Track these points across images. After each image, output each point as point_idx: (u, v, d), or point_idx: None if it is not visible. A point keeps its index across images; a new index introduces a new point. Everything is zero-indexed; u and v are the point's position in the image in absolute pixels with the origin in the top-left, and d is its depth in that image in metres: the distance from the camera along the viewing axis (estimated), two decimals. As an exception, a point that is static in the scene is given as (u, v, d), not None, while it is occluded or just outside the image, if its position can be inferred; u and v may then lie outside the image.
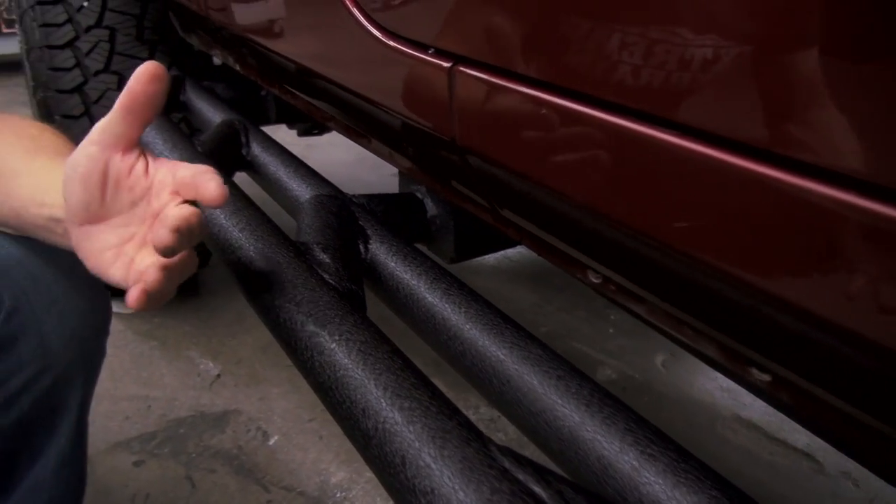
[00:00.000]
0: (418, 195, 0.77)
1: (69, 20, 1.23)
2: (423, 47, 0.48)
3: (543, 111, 0.38)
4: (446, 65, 0.45)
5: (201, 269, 1.85)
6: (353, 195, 0.71)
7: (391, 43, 0.51)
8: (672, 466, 0.40)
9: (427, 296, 0.57)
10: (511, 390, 0.48)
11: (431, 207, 0.76)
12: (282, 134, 1.50)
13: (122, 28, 1.26)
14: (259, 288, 0.53)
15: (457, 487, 0.35)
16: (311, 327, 0.47)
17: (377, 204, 0.71)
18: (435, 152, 0.55)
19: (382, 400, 0.40)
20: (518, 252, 2.02)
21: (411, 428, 0.38)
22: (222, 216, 0.62)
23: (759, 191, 0.29)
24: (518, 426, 0.49)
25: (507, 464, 0.36)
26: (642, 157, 0.33)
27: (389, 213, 0.71)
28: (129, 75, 0.45)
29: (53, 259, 0.71)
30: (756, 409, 1.48)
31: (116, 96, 0.48)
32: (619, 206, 0.35)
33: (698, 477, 0.39)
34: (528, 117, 0.40)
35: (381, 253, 0.62)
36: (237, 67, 1.04)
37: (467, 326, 0.53)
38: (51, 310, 0.70)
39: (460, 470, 0.35)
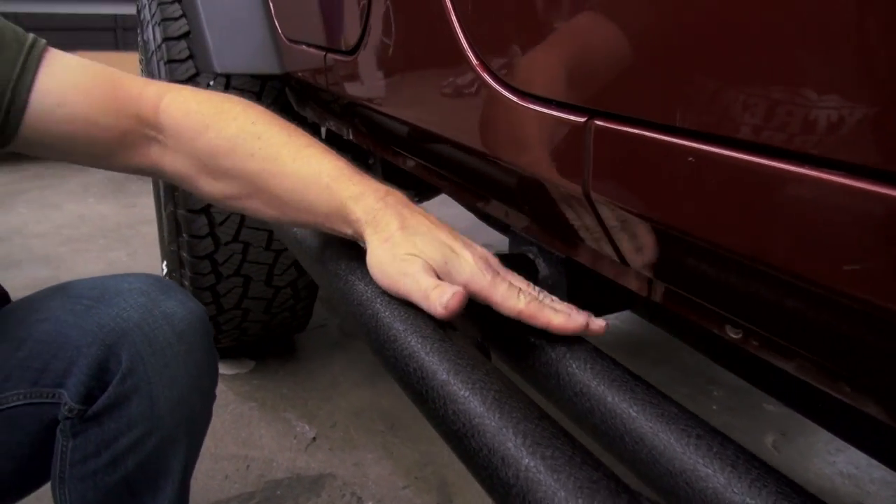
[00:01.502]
0: (530, 255, 0.78)
1: (197, 97, 1.34)
2: (555, 105, 0.49)
3: (690, 159, 0.38)
4: (581, 120, 0.46)
5: (298, 334, 1.90)
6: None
7: (522, 103, 0.52)
8: (836, 534, 0.37)
9: (550, 352, 0.56)
10: (645, 449, 0.47)
11: (543, 268, 0.76)
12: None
13: (243, 104, 1.35)
14: (386, 339, 0.54)
15: (608, 540, 0.33)
16: (442, 376, 0.47)
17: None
18: (558, 209, 0.56)
19: (522, 448, 0.39)
20: (613, 325, 1.98)
21: (556, 476, 0.37)
22: (347, 271, 0.64)
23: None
24: (654, 487, 0.47)
25: (661, 518, 0.34)
26: (816, 202, 0.32)
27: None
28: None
29: (169, 321, 0.75)
30: (881, 497, 1.36)
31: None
32: (790, 258, 0.34)
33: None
34: (669, 166, 0.40)
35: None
36: (349, 136, 1.09)
37: (594, 383, 0.52)
38: (162, 373, 0.73)
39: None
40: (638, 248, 0.48)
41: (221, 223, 1.45)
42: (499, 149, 0.58)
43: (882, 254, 0.30)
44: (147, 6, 1.56)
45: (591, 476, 0.37)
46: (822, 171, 0.31)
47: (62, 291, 0.78)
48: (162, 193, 1.54)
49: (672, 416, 0.47)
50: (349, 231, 0.61)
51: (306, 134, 0.66)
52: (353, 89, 0.89)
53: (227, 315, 1.58)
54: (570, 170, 0.48)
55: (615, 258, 0.52)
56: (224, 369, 1.74)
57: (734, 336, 0.46)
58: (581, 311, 0.56)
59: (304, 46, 1.08)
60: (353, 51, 0.85)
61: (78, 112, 0.64)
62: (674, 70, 0.39)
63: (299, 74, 1.14)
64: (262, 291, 1.57)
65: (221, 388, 1.67)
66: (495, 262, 0.59)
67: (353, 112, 1.01)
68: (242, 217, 1.46)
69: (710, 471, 0.42)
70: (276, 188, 0.63)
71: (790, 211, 0.33)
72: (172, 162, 0.68)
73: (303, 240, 0.76)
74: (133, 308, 0.74)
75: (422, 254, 0.55)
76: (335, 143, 1.42)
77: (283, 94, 1.38)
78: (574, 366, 0.54)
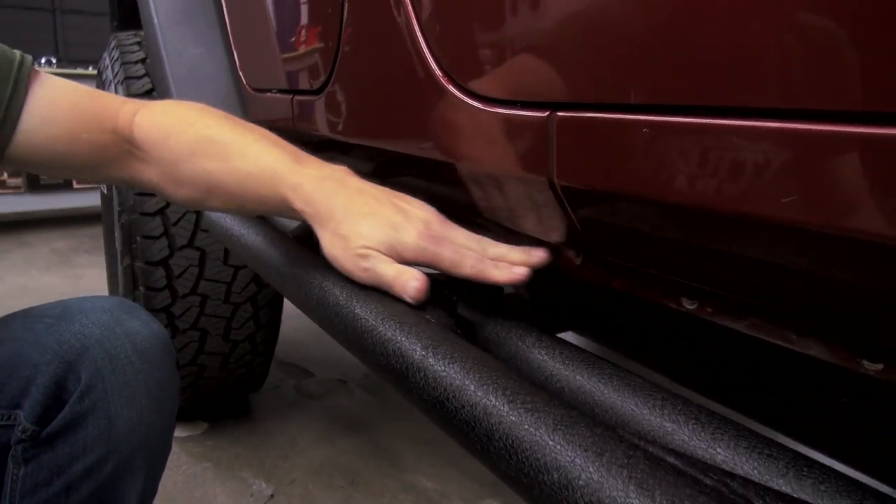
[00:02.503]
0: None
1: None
2: (520, 105, 0.54)
3: (645, 130, 0.42)
4: (544, 114, 0.51)
5: (253, 395, 1.86)
6: (437, 273, 0.75)
7: (490, 108, 0.57)
8: (793, 464, 0.40)
9: (520, 344, 0.59)
10: (615, 416, 0.49)
11: (508, 286, 0.80)
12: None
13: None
14: (364, 329, 0.56)
15: (583, 463, 0.36)
16: (420, 351, 0.49)
17: (455, 281, 0.75)
18: (524, 205, 0.60)
19: (503, 398, 0.42)
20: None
21: (536, 416, 0.39)
22: (333, 287, 0.66)
23: None
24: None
25: (643, 446, 0.37)
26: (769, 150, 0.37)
27: (466, 290, 0.75)
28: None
29: (131, 339, 0.73)
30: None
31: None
32: (743, 203, 0.38)
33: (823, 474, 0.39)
34: (626, 140, 0.44)
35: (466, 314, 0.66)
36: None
37: (562, 366, 0.55)
38: (122, 392, 0.70)
39: (582, 448, 0.36)
40: (598, 226, 0.52)
41: (179, 275, 1.45)
42: (470, 156, 0.62)
43: (816, 182, 0.34)
44: (109, 67, 1.60)
45: (568, 414, 0.39)
46: (770, 122, 0.36)
47: (23, 314, 0.77)
48: (119, 247, 1.54)
49: (637, 385, 0.50)
50: (300, 220, 0.66)
51: (259, 129, 0.71)
52: (322, 127, 0.93)
53: (182, 371, 1.55)
54: (536, 162, 0.53)
55: (577, 247, 0.56)
56: (176, 431, 1.69)
57: (689, 307, 0.50)
58: (521, 250, 0.61)
59: (269, 93, 1.12)
60: (321, 89, 0.90)
61: (62, 130, 0.69)
62: (620, 55, 0.44)
63: (266, 122, 1.18)
64: (219, 346, 1.56)
65: (174, 450, 1.61)
66: (438, 220, 0.63)
67: (319, 152, 1.04)
68: (201, 269, 1.47)
69: (675, 426, 0.45)
70: (230, 185, 0.68)
71: (735, 159, 0.37)
72: (145, 172, 0.73)
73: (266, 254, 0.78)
74: (95, 325, 0.72)
75: (371, 242, 0.60)
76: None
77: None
78: (543, 353, 0.57)
